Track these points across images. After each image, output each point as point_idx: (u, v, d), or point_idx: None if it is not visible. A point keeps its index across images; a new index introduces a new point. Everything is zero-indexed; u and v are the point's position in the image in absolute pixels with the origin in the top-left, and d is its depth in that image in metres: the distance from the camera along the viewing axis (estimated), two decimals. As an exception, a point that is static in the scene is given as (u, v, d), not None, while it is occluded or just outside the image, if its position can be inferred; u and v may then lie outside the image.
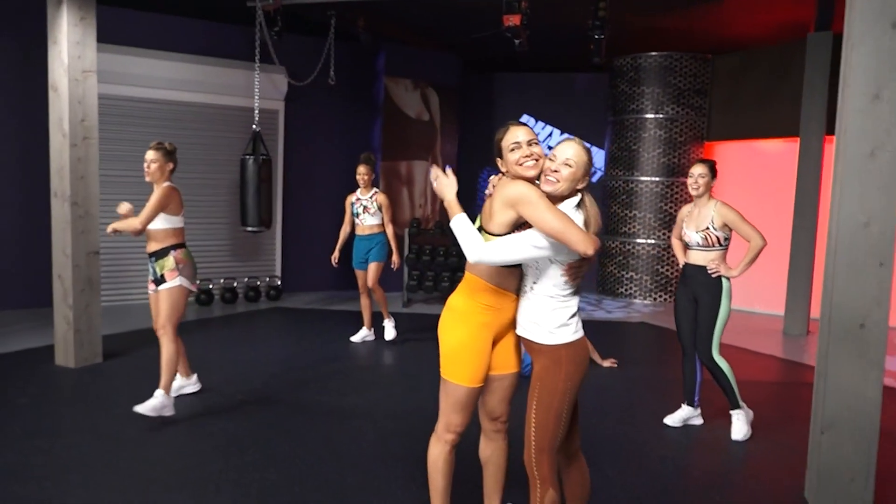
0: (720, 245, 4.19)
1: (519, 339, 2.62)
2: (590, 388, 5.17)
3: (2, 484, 3.25)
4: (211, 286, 8.17)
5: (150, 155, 4.21)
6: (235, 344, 6.29)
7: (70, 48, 5.16)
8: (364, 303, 6.43)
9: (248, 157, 7.19)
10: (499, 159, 2.55)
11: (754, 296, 8.85)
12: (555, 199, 2.45)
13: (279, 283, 8.68)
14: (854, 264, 3.07)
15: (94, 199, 5.35)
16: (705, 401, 4.66)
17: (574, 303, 2.51)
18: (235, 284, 8.35)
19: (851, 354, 3.10)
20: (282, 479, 3.40)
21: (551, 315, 2.46)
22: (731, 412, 4.29)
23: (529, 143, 2.47)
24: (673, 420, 4.44)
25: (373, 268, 6.19)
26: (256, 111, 7.29)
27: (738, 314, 8.70)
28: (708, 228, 4.17)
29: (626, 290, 9.54)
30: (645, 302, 9.39)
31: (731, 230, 4.20)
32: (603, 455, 3.85)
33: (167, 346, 4.15)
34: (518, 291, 2.55)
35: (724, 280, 4.18)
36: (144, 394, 4.28)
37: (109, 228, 4.24)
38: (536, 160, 2.46)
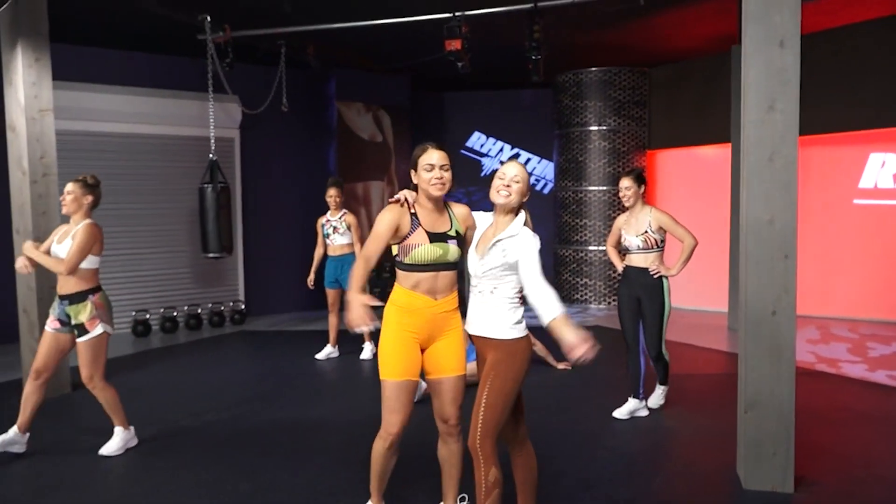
0: (657, 247, 4.62)
1: (456, 343, 2.91)
2: (547, 387, 5.49)
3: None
4: (175, 313, 8.28)
5: (69, 187, 4.07)
6: (201, 368, 6.44)
7: (26, 88, 5.32)
8: (332, 321, 6.65)
9: (206, 185, 7.36)
10: (413, 171, 2.90)
11: (700, 294, 9.28)
12: (506, 210, 2.85)
13: (243, 307, 8.83)
14: (762, 258, 3.43)
15: (55, 234, 5.48)
16: (650, 394, 4.99)
17: (522, 306, 2.87)
18: (199, 311, 8.47)
19: (766, 339, 3.44)
20: (255, 489, 3.60)
21: (509, 314, 2.81)
22: (658, 385, 4.92)
23: (441, 168, 2.84)
24: (621, 413, 4.75)
25: None
26: (212, 140, 7.48)
27: (685, 313, 9.13)
28: (647, 232, 4.60)
29: (581, 296, 9.90)
30: (600, 306, 9.77)
31: (665, 232, 4.63)
32: (556, 447, 4.14)
33: (103, 396, 4.07)
34: (434, 295, 2.85)
35: (664, 279, 4.61)
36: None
37: (20, 262, 4.00)
38: (444, 184, 2.84)
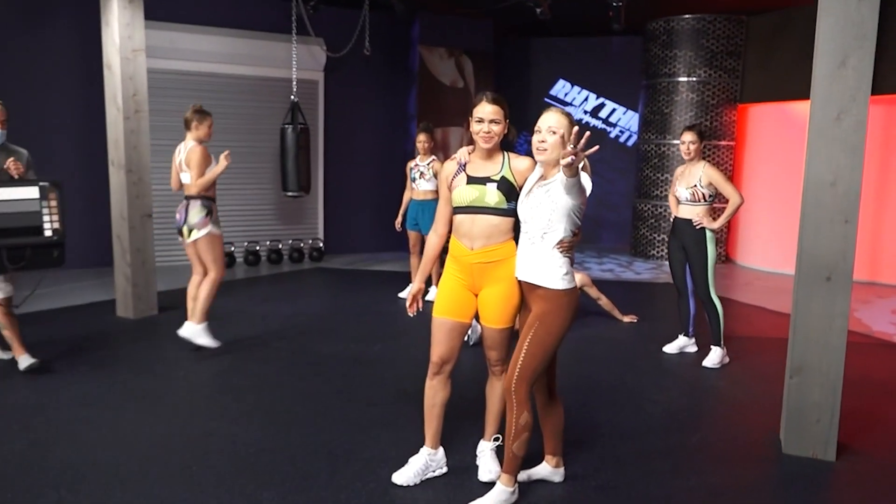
0: (705, 201, 4.79)
1: (499, 296, 2.93)
2: (604, 340, 5.52)
3: (74, 408, 3.82)
4: (258, 247, 8.73)
5: None
6: (278, 300, 6.82)
7: (121, 29, 5.65)
8: (413, 262, 6.84)
9: (287, 126, 7.64)
10: (470, 118, 2.96)
11: (782, 257, 8.92)
12: (550, 165, 2.79)
13: (322, 245, 9.20)
14: (822, 221, 3.30)
15: (146, 167, 5.89)
16: (706, 356, 4.95)
17: (570, 257, 2.86)
18: (280, 246, 8.89)
19: (819, 305, 3.35)
20: (307, 413, 3.87)
21: (559, 263, 2.79)
22: (712, 346, 4.94)
23: (491, 122, 2.89)
24: (671, 348, 5.16)
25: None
26: (294, 82, 7.72)
27: (765, 275, 8.82)
28: (696, 186, 4.75)
29: (657, 252, 9.72)
30: (675, 263, 9.55)
31: (714, 188, 4.75)
32: (600, 398, 4.20)
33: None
34: (471, 242, 2.91)
35: (706, 230, 4.77)
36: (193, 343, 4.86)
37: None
38: (491, 137, 2.89)
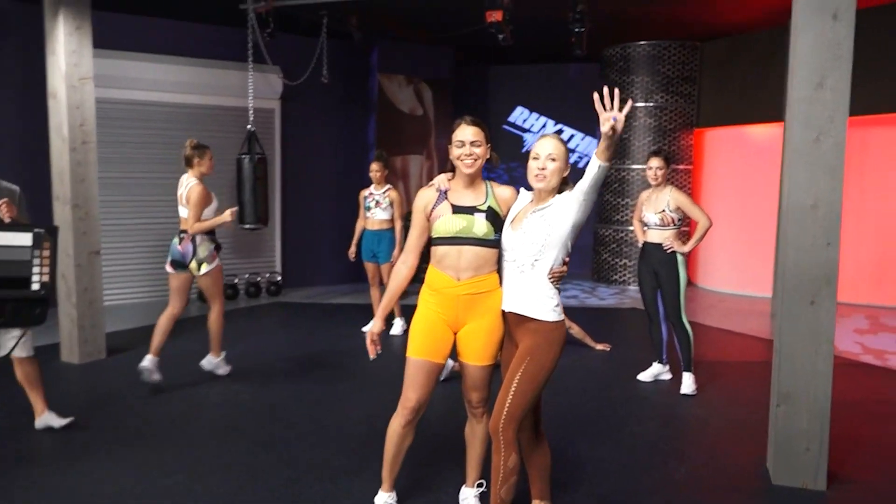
0: (674, 225, 4.79)
1: (484, 331, 2.76)
2: (578, 370, 5.38)
3: (16, 469, 3.48)
4: (236, 280, 8.38)
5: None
6: (235, 338, 6.49)
7: (67, 56, 5.38)
8: (374, 295, 6.62)
9: (243, 156, 7.39)
10: (450, 146, 2.84)
11: (745, 279, 8.99)
12: (548, 192, 2.70)
13: (279, 278, 8.90)
14: (803, 245, 3.24)
15: (93, 201, 5.57)
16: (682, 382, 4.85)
17: (559, 288, 2.74)
18: (236, 281, 8.56)
19: (803, 331, 3.27)
20: (271, 462, 3.61)
21: (550, 294, 2.67)
22: (683, 372, 4.85)
23: (472, 144, 2.75)
24: (645, 376, 5.10)
25: (385, 269, 6.42)
26: (251, 111, 7.49)
27: (729, 297, 8.86)
28: (664, 211, 4.76)
29: (619, 276, 9.70)
30: (637, 288, 9.53)
31: (683, 212, 4.76)
32: (580, 432, 4.05)
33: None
34: (457, 274, 2.75)
35: (677, 254, 4.76)
36: (146, 386, 4.53)
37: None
38: (475, 160, 2.76)
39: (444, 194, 2.83)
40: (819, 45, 3.14)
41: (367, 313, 7.00)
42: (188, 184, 4.75)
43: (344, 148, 9.51)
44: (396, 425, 2.86)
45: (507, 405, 2.62)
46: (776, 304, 3.39)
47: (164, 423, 4.18)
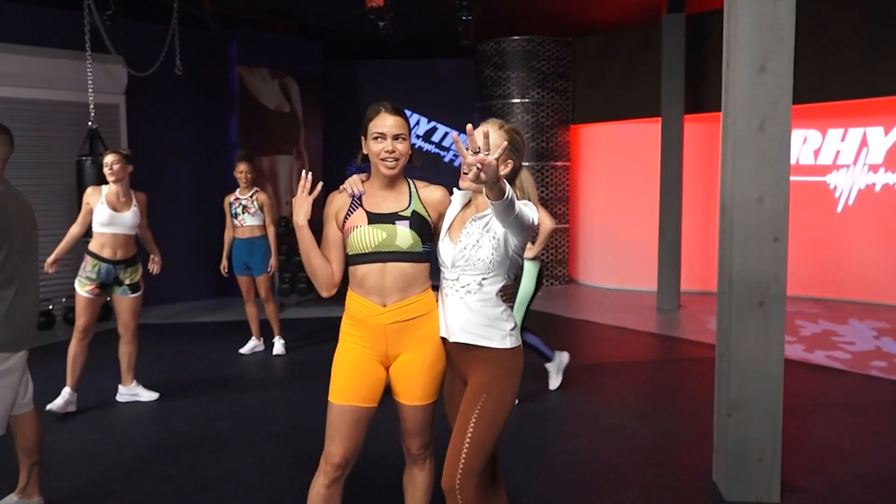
0: None
1: (420, 364, 2.28)
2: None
3: None
4: (51, 307, 7.20)
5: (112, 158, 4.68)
6: (88, 370, 5.52)
7: None
8: (250, 312, 5.95)
9: (84, 158, 6.37)
10: (362, 138, 2.30)
11: (628, 274, 9.06)
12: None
13: (133, 296, 7.82)
14: (749, 241, 3.01)
15: None
16: (597, 387, 4.58)
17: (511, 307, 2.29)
18: (51, 307, 7.32)
19: (752, 333, 3.04)
20: (148, 534, 2.90)
21: (504, 317, 2.21)
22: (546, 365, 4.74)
23: (395, 138, 2.25)
24: (555, 383, 4.76)
25: (262, 281, 5.75)
26: (92, 106, 6.47)
27: (613, 293, 8.89)
28: None
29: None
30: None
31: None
32: (507, 459, 3.62)
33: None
34: (383, 299, 2.25)
35: (525, 261, 4.37)
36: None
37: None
38: (396, 158, 2.25)
39: (357, 200, 2.30)
40: (760, 27, 2.92)
41: (243, 330, 6.22)
42: None
43: (202, 148, 8.57)
44: (319, 486, 2.29)
45: (463, 456, 2.12)
46: (720, 307, 3.13)
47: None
